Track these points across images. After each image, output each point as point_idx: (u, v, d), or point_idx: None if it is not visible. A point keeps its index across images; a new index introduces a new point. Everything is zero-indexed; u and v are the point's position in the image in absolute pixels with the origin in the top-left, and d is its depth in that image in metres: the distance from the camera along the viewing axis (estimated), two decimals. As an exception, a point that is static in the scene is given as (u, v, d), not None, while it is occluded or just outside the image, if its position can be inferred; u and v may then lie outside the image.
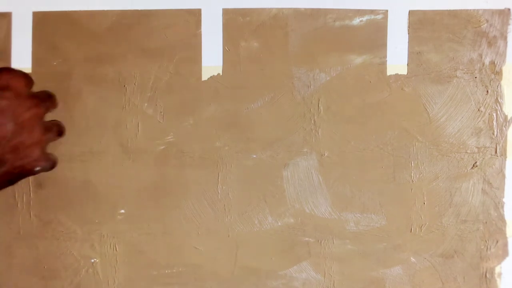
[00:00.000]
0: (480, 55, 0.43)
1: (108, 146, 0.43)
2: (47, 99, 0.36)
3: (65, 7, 0.43)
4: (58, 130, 0.38)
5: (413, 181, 0.44)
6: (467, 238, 0.44)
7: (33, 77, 0.37)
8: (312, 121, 0.43)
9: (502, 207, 0.44)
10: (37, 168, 0.35)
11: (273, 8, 0.43)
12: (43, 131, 0.35)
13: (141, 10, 0.43)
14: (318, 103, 0.43)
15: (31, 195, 0.43)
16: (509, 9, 0.43)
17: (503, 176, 0.44)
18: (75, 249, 0.44)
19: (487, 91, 0.44)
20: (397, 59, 0.43)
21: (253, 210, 0.44)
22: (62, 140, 0.38)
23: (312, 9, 0.43)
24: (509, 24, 0.43)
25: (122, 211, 0.43)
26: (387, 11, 0.43)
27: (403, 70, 0.43)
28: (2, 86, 0.32)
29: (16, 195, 0.43)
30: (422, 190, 0.44)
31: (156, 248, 0.44)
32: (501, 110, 0.44)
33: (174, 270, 0.44)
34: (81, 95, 0.43)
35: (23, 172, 0.35)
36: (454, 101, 0.44)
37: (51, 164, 0.38)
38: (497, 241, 0.44)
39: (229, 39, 0.43)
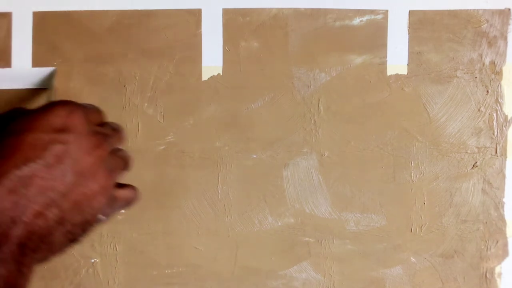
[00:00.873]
0: (480, 55, 0.43)
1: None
2: (112, 135, 0.31)
3: (66, 7, 0.43)
4: (124, 166, 0.32)
5: (413, 181, 0.44)
6: (467, 238, 0.44)
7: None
8: (312, 121, 0.43)
9: (502, 207, 0.44)
10: (103, 218, 0.29)
11: (273, 8, 0.43)
12: (108, 173, 0.29)
13: (141, 10, 0.43)
14: (318, 103, 0.43)
15: (31, 195, 0.43)
16: (509, 9, 0.43)
17: (503, 176, 0.44)
18: (75, 249, 0.43)
19: (487, 91, 0.44)
20: (397, 59, 0.43)
21: (253, 210, 0.44)
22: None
23: (312, 9, 0.43)
24: (509, 24, 0.43)
25: (122, 211, 0.43)
26: (387, 11, 0.43)
27: (403, 70, 0.43)
28: (58, 128, 0.27)
29: (16, 195, 0.43)
30: (422, 190, 0.44)
31: (156, 248, 0.44)
32: (501, 110, 0.44)
33: (174, 270, 0.44)
34: (81, 95, 0.43)
35: (87, 227, 0.28)
36: (454, 101, 0.44)
37: (123, 205, 0.31)
38: (497, 241, 0.44)
39: (229, 39, 0.43)
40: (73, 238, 0.28)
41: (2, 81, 0.43)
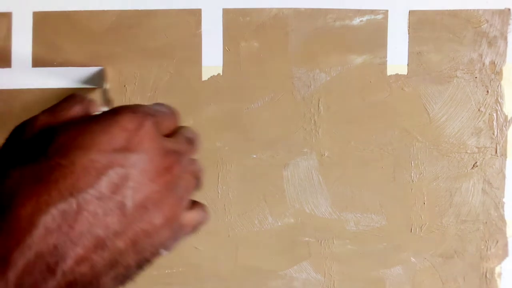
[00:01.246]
0: (480, 55, 0.43)
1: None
2: (186, 150, 0.24)
3: (66, 7, 0.43)
4: (196, 184, 0.25)
5: (413, 181, 0.44)
6: (467, 238, 0.44)
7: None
8: (312, 121, 0.43)
9: (502, 207, 0.44)
10: (165, 253, 0.23)
11: (273, 8, 0.43)
12: (176, 201, 0.23)
13: (141, 10, 0.43)
14: (318, 103, 0.43)
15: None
16: (509, 9, 0.43)
17: (503, 176, 0.44)
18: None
19: (487, 91, 0.43)
20: (397, 59, 0.43)
21: (253, 210, 0.44)
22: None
23: (312, 9, 0.43)
24: (509, 24, 0.43)
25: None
26: (387, 11, 0.43)
27: (403, 70, 0.43)
28: (120, 146, 0.20)
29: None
30: (422, 190, 0.44)
31: (156, 248, 0.44)
32: (501, 110, 0.44)
33: (174, 270, 0.44)
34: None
35: (145, 265, 0.23)
36: (454, 101, 0.43)
37: (190, 231, 0.24)
38: (497, 241, 0.44)
39: (229, 39, 0.43)
40: (126, 280, 0.22)
41: (2, 81, 0.43)
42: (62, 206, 0.19)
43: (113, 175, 0.20)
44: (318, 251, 0.44)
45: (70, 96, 0.23)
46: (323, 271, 0.44)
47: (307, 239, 0.44)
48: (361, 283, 0.44)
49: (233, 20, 0.43)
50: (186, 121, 0.43)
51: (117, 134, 0.20)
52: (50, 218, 0.18)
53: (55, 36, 0.43)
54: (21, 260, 0.18)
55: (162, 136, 0.23)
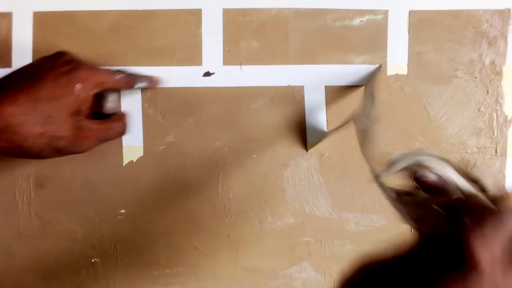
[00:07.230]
0: (480, 55, 0.43)
1: (108, 145, 0.43)
2: None
3: (66, 7, 0.43)
4: None
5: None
6: (467, 238, 0.44)
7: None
8: (312, 121, 0.44)
9: (502, 207, 0.44)
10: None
11: (273, 8, 0.43)
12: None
13: (141, 10, 0.43)
14: (318, 103, 0.43)
15: (32, 194, 0.43)
16: (509, 9, 0.43)
17: (503, 176, 0.44)
18: (75, 249, 0.44)
19: (487, 91, 0.44)
20: (397, 59, 0.43)
21: (253, 210, 0.44)
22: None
23: (312, 9, 0.43)
24: (509, 24, 0.43)
25: (123, 211, 0.43)
26: (387, 11, 0.43)
27: (403, 70, 0.43)
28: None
29: (17, 195, 0.43)
30: (422, 190, 0.44)
31: (156, 248, 0.44)
32: (501, 110, 0.44)
33: (175, 270, 0.44)
34: (81, 95, 0.43)
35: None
36: (454, 101, 0.44)
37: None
38: (497, 241, 0.44)
39: (230, 39, 0.43)
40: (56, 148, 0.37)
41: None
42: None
43: None
44: (318, 251, 0.44)
45: None
46: (323, 271, 0.44)
47: (307, 239, 0.44)
48: (361, 283, 0.44)
49: (233, 20, 0.43)
50: (186, 121, 0.43)
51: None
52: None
53: (56, 36, 0.43)
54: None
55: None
